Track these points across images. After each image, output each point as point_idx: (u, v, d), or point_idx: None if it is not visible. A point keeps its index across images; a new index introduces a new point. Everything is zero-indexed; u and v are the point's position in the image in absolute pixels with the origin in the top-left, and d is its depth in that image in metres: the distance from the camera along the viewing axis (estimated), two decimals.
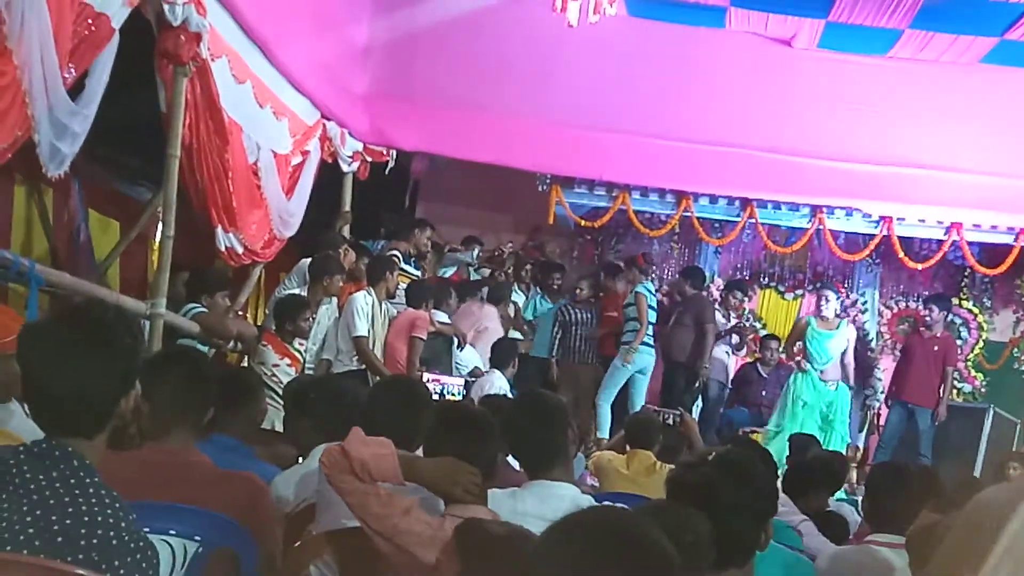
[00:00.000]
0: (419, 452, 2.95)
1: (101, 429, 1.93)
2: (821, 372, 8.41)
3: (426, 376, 6.51)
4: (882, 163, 8.48)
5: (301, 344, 6.51)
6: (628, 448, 5.28)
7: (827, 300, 8.58)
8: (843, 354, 8.50)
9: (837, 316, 8.67)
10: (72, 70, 4.42)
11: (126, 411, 1.96)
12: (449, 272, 9.18)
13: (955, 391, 9.58)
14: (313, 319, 6.55)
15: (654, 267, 9.42)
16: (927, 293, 9.92)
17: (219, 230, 6.15)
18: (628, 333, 8.53)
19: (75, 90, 4.58)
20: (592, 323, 9.04)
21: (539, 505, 2.93)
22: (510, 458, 3.65)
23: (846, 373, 8.54)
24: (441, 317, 7.83)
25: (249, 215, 6.56)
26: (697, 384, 8.78)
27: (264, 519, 2.77)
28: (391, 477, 2.56)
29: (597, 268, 9.83)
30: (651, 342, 8.59)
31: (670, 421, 5.27)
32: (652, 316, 8.56)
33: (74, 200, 6.43)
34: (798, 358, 8.53)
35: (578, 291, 9.10)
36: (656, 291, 9.30)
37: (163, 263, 5.53)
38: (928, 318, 8.82)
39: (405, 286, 7.76)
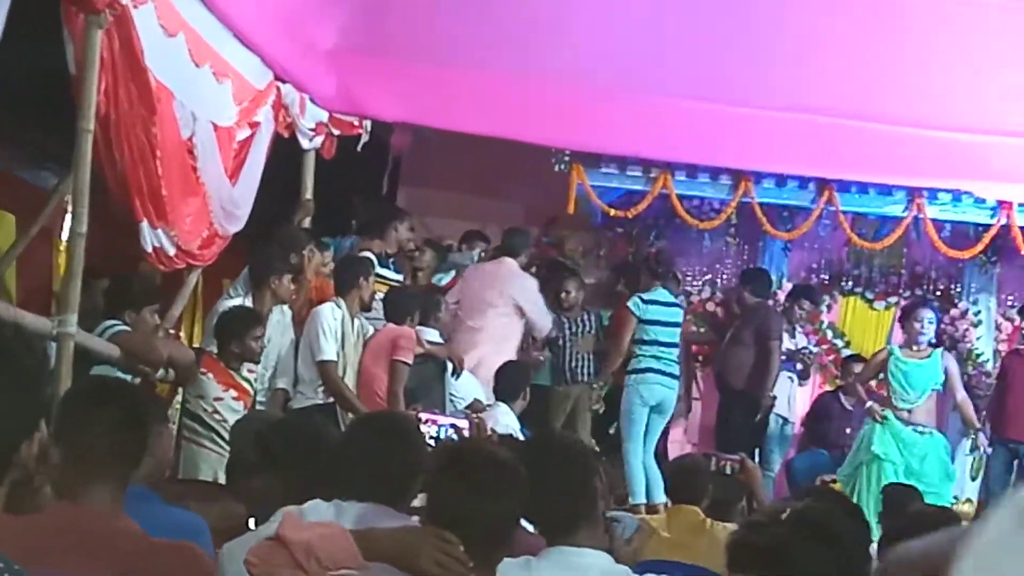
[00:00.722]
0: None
1: None
2: (908, 413, 8.33)
3: (421, 416, 6.49)
4: (1000, 132, 8.46)
5: (251, 371, 6.53)
6: (669, 503, 5.29)
7: (924, 323, 8.51)
8: (940, 391, 8.49)
9: (931, 344, 8.60)
10: None
11: (28, 459, 1.95)
12: (446, 279, 9.19)
13: None
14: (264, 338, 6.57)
15: (670, 270, 9.35)
16: None
17: (145, 225, 6.13)
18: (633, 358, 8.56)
19: None
20: (589, 332, 9.03)
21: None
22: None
23: (948, 414, 8.54)
24: (430, 335, 7.84)
25: (183, 206, 6.55)
26: (759, 418, 8.78)
27: None
28: (348, 559, 2.53)
29: (601, 267, 9.87)
30: (673, 369, 8.60)
31: (727, 470, 5.27)
32: (668, 334, 8.55)
33: None
34: (870, 404, 8.45)
35: (564, 295, 9.10)
36: (704, 299, 9.30)
37: (73, 268, 5.52)
38: None
39: (383, 295, 7.77)
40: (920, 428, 8.33)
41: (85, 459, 2.73)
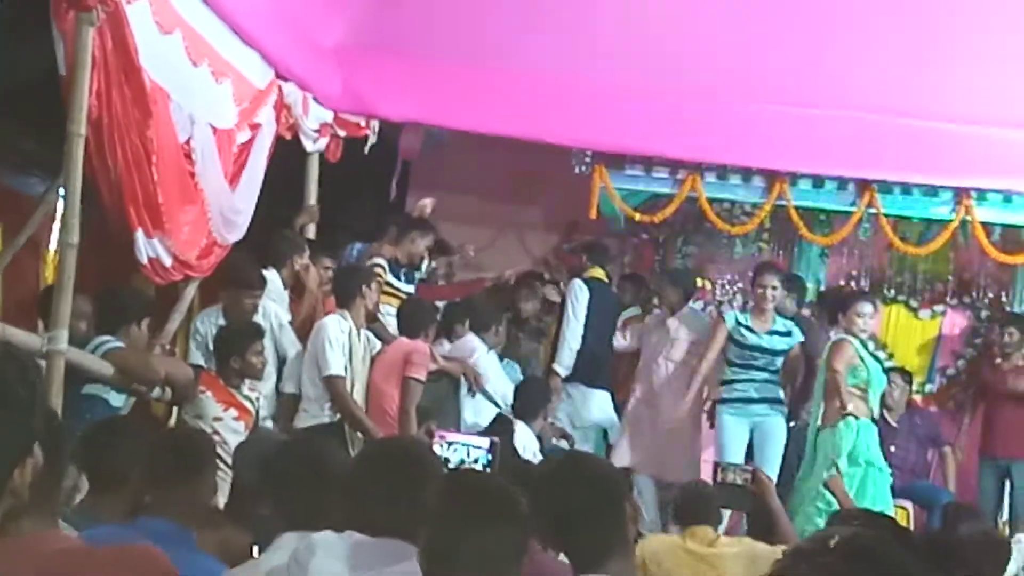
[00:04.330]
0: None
1: None
2: None
3: (437, 435, 6.47)
4: None
5: (252, 390, 6.53)
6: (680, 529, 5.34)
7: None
8: None
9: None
10: None
11: (21, 485, 1.96)
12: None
13: None
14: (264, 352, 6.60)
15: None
16: None
17: (139, 235, 6.15)
18: None
19: None
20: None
21: None
22: None
23: None
24: (442, 349, 7.87)
25: (180, 214, 6.57)
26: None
27: None
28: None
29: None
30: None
31: (739, 480, 5.30)
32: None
33: None
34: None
35: (523, 307, 9.17)
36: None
37: (64, 281, 5.52)
38: (1008, 342, 9.02)
39: (397, 309, 7.79)
40: None
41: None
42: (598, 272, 9.23)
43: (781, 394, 8.58)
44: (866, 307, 8.38)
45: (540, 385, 7.89)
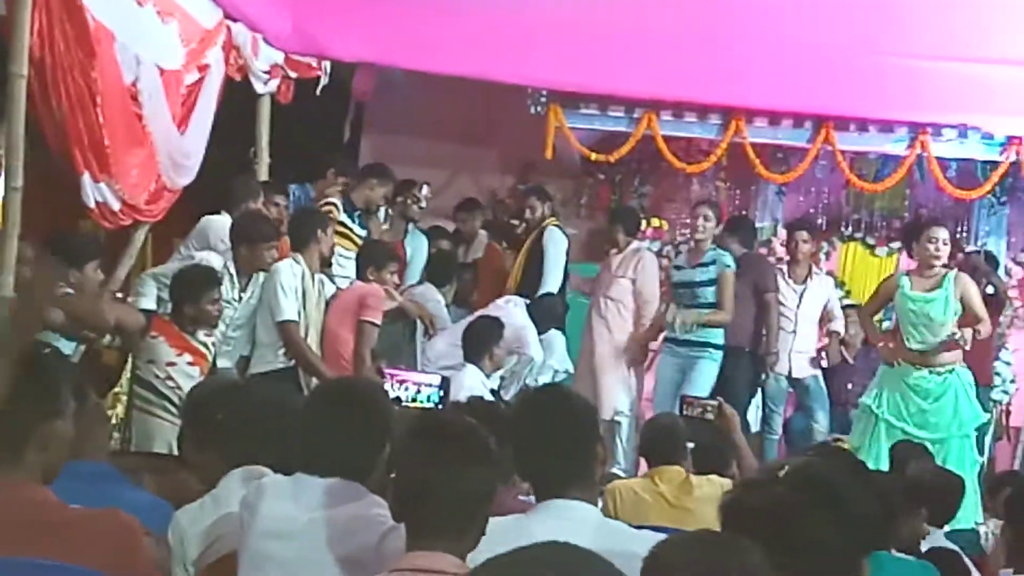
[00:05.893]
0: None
1: None
2: (922, 356, 7.98)
3: (387, 374, 6.46)
4: (1007, 62, 8.44)
5: (208, 335, 6.49)
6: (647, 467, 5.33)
7: (937, 243, 7.81)
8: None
9: (945, 267, 7.98)
10: None
11: None
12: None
13: None
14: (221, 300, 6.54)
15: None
16: None
17: (86, 178, 6.12)
18: None
19: None
20: None
21: (556, 528, 2.93)
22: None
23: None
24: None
25: (128, 157, 6.52)
26: (764, 376, 8.82)
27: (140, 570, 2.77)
28: None
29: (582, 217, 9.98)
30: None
31: (705, 415, 5.31)
32: None
33: None
34: (883, 343, 8.11)
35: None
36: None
37: (9, 226, 5.48)
38: None
39: (357, 252, 7.76)
40: (940, 370, 7.99)
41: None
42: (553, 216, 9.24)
43: (717, 338, 8.46)
44: (938, 232, 7.94)
45: (487, 324, 7.77)
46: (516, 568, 1.52)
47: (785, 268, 9.26)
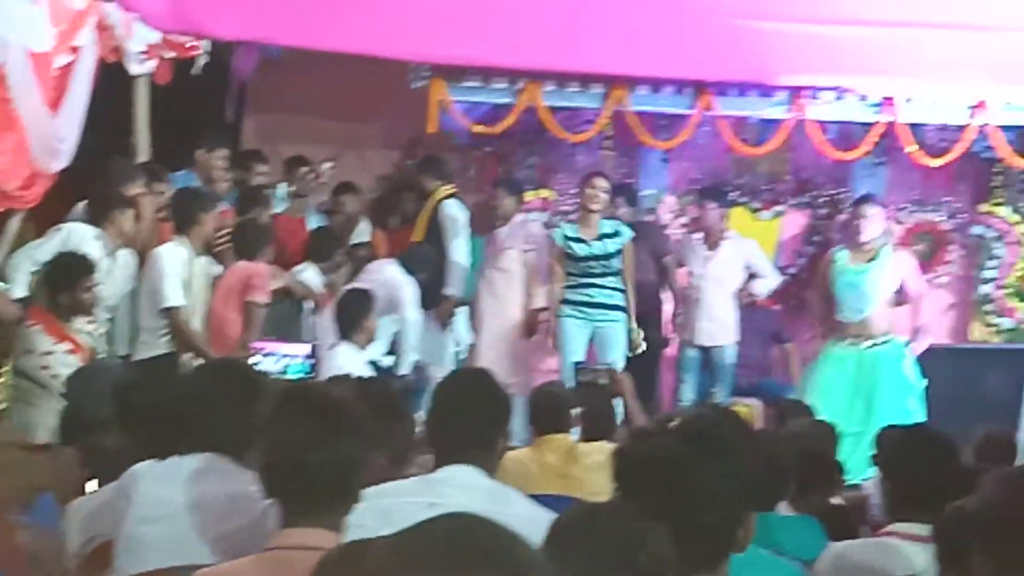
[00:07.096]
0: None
1: None
2: (859, 325, 8.41)
3: (252, 348, 6.39)
4: (879, 23, 8.58)
5: (90, 323, 6.40)
6: (535, 438, 5.35)
7: (867, 219, 8.54)
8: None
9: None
10: None
11: None
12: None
13: (990, 328, 9.87)
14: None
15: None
16: (950, 199, 10.17)
17: None
18: None
19: None
20: None
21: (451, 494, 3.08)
22: None
23: None
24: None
25: None
26: (666, 343, 8.93)
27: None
28: None
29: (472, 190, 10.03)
30: None
31: (599, 381, 5.35)
32: None
33: None
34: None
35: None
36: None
37: None
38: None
39: (231, 231, 7.68)
40: (875, 339, 8.36)
41: None
42: (448, 188, 9.22)
43: (623, 300, 8.59)
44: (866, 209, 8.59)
45: (355, 297, 7.64)
46: (422, 543, 1.44)
47: (693, 236, 9.40)
